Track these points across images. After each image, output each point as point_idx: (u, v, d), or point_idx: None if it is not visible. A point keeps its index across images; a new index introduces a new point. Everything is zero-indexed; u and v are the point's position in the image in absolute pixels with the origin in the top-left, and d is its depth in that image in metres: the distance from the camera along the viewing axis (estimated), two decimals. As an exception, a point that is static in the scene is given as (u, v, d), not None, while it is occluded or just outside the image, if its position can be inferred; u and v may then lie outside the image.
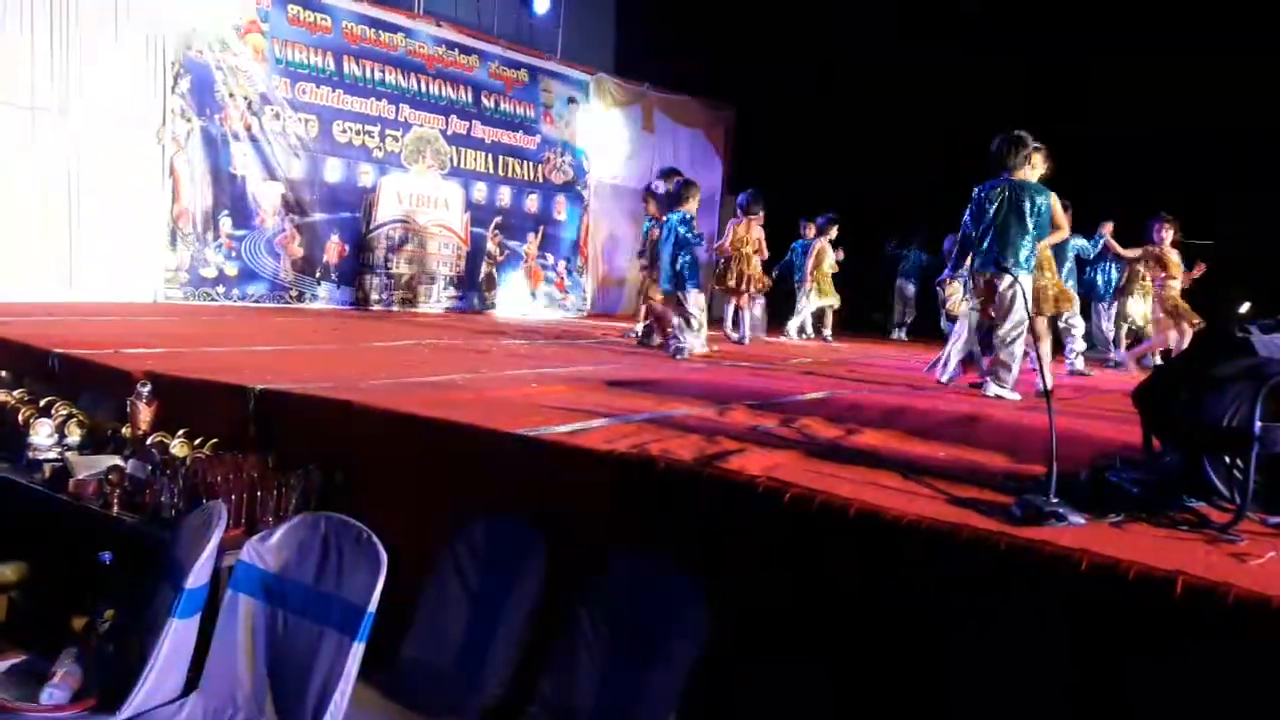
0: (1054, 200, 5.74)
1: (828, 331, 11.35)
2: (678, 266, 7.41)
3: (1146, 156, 10.67)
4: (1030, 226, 5.53)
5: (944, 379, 6.04)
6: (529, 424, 3.34)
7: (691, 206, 7.56)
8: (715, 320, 10.19)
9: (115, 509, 3.47)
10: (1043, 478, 2.55)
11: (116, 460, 3.76)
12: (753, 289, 9.66)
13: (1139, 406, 2.92)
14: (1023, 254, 5.52)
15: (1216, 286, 9.29)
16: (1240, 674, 1.88)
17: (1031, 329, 5.81)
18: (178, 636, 2.84)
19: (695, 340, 7.42)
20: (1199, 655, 1.92)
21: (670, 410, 4.07)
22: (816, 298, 11.06)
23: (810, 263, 11.04)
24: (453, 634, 3.00)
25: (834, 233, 11.20)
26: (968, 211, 5.85)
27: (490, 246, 12.46)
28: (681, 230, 7.41)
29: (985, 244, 5.64)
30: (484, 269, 12.43)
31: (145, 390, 4.00)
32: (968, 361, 6.68)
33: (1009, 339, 5.51)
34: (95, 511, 3.51)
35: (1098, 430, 4.18)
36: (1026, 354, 5.88)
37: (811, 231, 11.27)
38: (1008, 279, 5.48)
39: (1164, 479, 2.62)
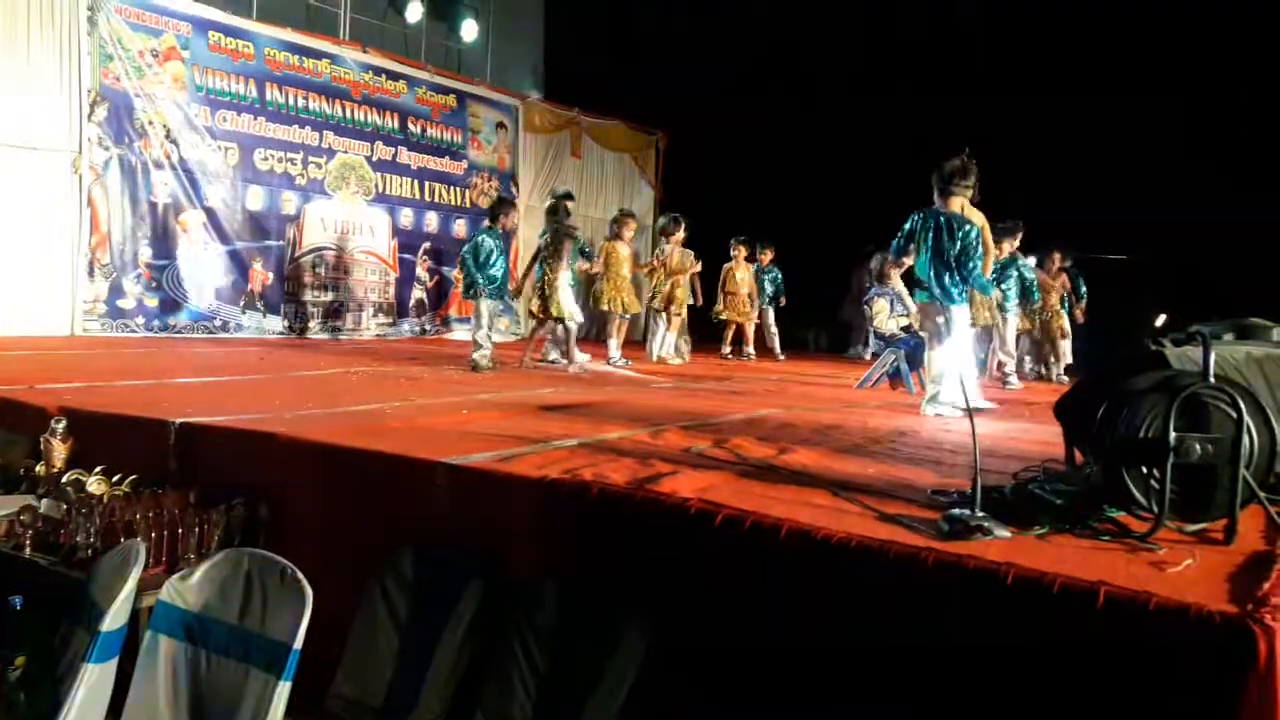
0: (983, 227, 5.88)
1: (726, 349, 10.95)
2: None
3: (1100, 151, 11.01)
4: (959, 256, 5.62)
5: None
6: (459, 452, 3.30)
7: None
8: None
9: (28, 550, 3.35)
10: (969, 492, 2.59)
11: (29, 500, 3.63)
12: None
13: (1060, 419, 2.99)
14: (952, 284, 5.62)
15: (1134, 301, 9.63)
16: (1159, 679, 1.92)
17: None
18: (93, 682, 2.73)
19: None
20: (1122, 662, 1.96)
21: (604, 434, 4.06)
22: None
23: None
24: (383, 669, 2.94)
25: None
26: (900, 236, 5.90)
27: (420, 272, 12.37)
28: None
29: (923, 275, 5.72)
30: (414, 294, 12.33)
31: (60, 426, 3.87)
32: (895, 378, 6.80)
33: (943, 364, 5.59)
34: (6, 554, 3.37)
35: (1024, 444, 4.26)
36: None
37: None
38: (942, 309, 5.60)
39: (1086, 490, 2.68)
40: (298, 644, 2.63)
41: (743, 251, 10.90)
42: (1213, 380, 2.44)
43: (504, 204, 8.48)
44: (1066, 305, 9.68)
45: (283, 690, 2.61)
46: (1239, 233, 10.24)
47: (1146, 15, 11.00)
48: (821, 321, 14.09)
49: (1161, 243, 10.74)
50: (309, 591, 2.68)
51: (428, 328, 12.46)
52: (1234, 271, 10.19)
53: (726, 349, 10.95)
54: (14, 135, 8.52)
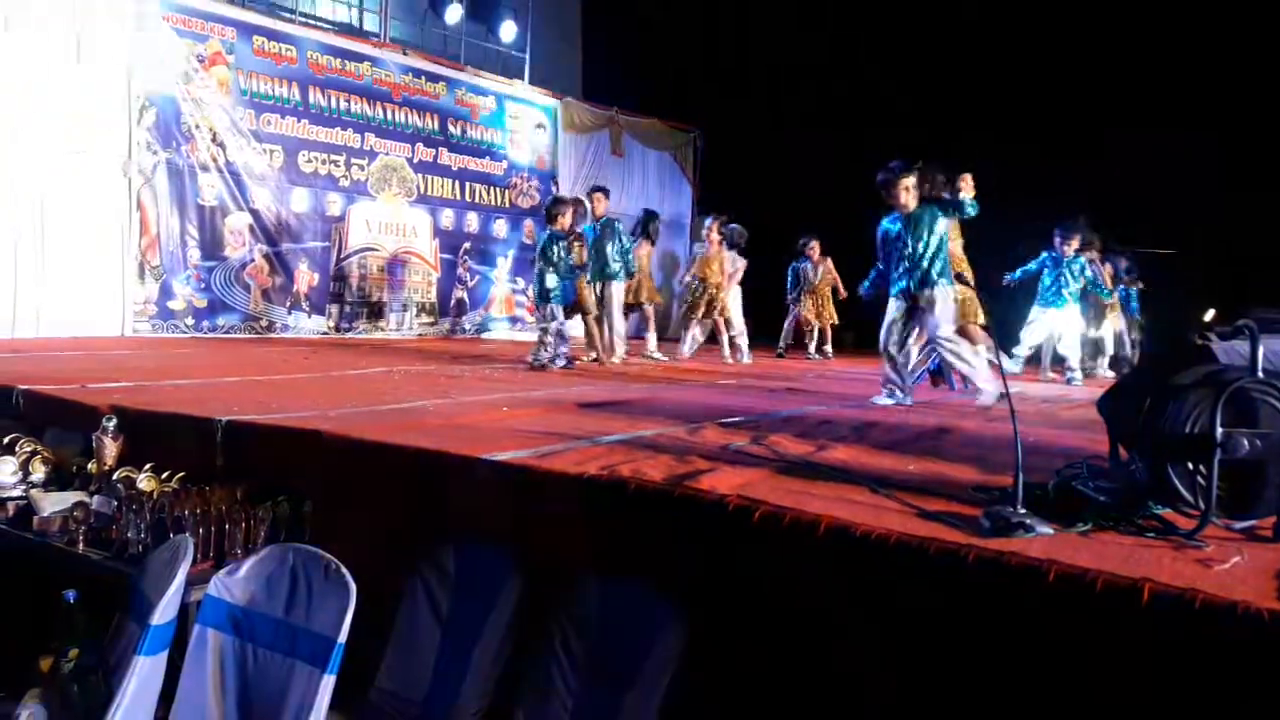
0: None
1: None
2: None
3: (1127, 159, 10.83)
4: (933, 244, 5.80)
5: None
6: (499, 448, 3.33)
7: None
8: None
9: (80, 546, 3.43)
10: (1010, 488, 2.56)
11: (82, 496, 3.71)
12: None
13: (1104, 414, 2.95)
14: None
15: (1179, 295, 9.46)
16: (1208, 678, 1.89)
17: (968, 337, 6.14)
18: (144, 674, 2.79)
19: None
20: (1167, 661, 1.93)
21: (642, 431, 4.06)
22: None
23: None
24: (425, 663, 2.97)
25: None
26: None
27: (461, 272, 12.48)
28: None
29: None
30: (455, 294, 12.43)
31: (111, 425, 3.95)
32: (937, 375, 6.76)
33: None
34: (60, 549, 3.46)
35: (1067, 439, 4.21)
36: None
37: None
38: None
39: (1130, 486, 2.64)
40: (342, 638, 2.67)
41: (817, 248, 10.99)
42: (1261, 375, 2.39)
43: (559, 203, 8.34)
44: (1106, 294, 9.56)
45: (327, 683, 2.65)
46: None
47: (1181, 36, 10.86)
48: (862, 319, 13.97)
49: (1209, 236, 10.54)
50: (353, 586, 2.72)
51: (468, 327, 12.56)
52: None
53: (783, 344, 11.11)
54: (66, 140, 8.70)
